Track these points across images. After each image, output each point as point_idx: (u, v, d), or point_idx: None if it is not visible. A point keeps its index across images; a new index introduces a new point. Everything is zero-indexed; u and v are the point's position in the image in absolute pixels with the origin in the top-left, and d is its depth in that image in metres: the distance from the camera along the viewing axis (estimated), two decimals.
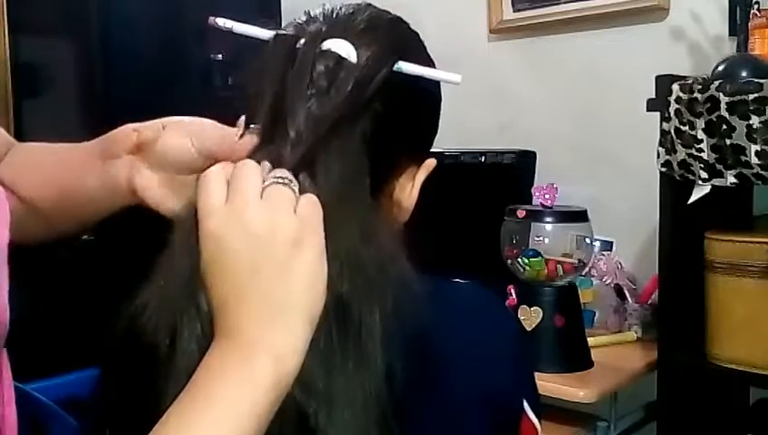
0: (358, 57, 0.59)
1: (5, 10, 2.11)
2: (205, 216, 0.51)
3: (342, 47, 0.59)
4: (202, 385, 0.48)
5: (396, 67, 0.60)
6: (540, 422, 0.71)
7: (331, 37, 0.60)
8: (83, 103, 2.29)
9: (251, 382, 0.48)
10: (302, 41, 0.59)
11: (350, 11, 0.64)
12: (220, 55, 2.24)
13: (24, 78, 2.20)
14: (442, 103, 0.70)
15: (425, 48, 0.68)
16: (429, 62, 0.67)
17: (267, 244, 0.50)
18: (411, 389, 0.55)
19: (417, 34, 0.68)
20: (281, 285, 0.50)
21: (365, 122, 0.59)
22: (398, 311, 0.54)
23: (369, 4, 0.66)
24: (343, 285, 0.53)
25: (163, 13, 2.33)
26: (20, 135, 2.28)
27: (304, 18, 0.64)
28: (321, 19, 0.63)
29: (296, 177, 0.54)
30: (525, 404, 0.70)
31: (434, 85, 0.67)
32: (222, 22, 0.62)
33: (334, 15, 0.64)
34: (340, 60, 0.59)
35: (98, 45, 2.26)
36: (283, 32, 0.61)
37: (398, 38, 0.65)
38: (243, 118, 0.64)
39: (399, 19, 0.68)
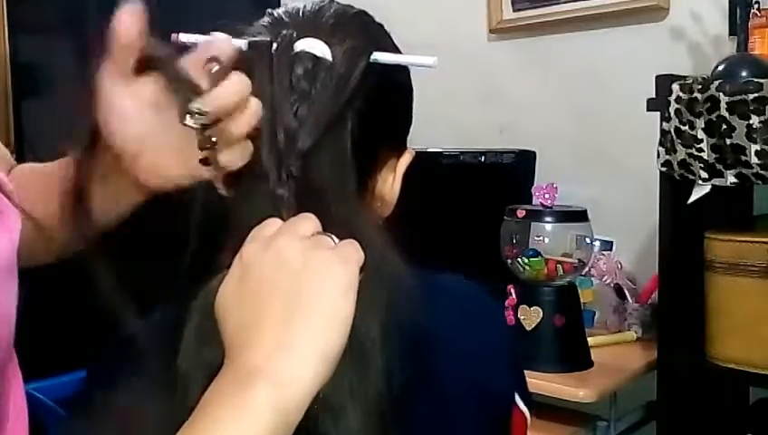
0: (333, 55, 0.59)
1: (5, 10, 2.11)
2: (247, 241, 0.52)
3: (316, 46, 0.59)
4: (203, 409, 0.48)
5: (372, 58, 0.60)
6: (530, 411, 0.71)
7: (302, 37, 0.59)
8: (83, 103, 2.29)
9: (249, 409, 0.46)
10: (275, 45, 0.58)
11: (315, 8, 0.64)
12: None
13: (24, 78, 2.20)
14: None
15: (391, 38, 0.68)
16: (398, 52, 0.67)
17: (295, 273, 0.49)
18: (407, 385, 0.55)
19: (382, 26, 0.68)
20: (299, 318, 0.48)
21: (349, 120, 0.59)
22: (393, 308, 0.54)
23: (333, 0, 0.66)
24: None
25: (163, 12, 2.33)
26: (20, 135, 2.28)
27: (268, 19, 0.64)
28: (288, 19, 0.63)
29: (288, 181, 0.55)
30: (516, 396, 0.70)
31: (405, 74, 0.68)
32: (185, 38, 0.60)
33: (300, 14, 0.63)
34: (316, 60, 0.58)
35: (97, 45, 2.26)
36: (256, 39, 0.60)
37: (368, 30, 0.65)
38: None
39: (364, 12, 0.68)
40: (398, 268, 0.56)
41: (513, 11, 2.13)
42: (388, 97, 0.65)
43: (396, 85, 0.67)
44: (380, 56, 0.61)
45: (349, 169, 0.58)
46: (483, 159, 2.02)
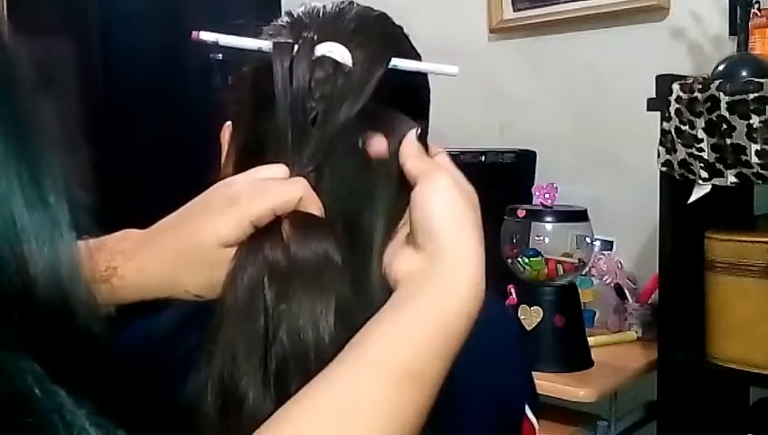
0: (353, 60, 0.58)
1: (5, 10, 2.11)
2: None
3: (336, 51, 0.58)
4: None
5: (391, 64, 0.59)
6: (537, 420, 0.72)
7: (323, 41, 0.58)
8: (83, 103, 2.29)
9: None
10: (296, 48, 0.58)
11: (336, 10, 0.63)
12: (220, 55, 2.24)
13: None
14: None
15: (410, 42, 0.68)
16: (417, 57, 0.67)
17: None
18: None
19: (402, 29, 0.68)
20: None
21: (367, 124, 0.58)
22: None
23: (352, 2, 0.65)
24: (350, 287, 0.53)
25: (163, 12, 2.33)
26: None
27: (287, 19, 0.63)
28: (308, 21, 0.62)
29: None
30: (526, 406, 0.70)
31: (424, 80, 0.67)
32: (206, 36, 0.59)
33: (320, 16, 0.63)
34: (336, 65, 0.57)
35: (98, 45, 2.26)
36: (280, 41, 0.59)
37: (388, 35, 0.65)
38: (229, 123, 0.64)
39: (385, 15, 0.67)
40: None
41: (513, 11, 2.12)
42: (405, 103, 0.64)
43: (414, 91, 0.66)
44: (400, 62, 0.60)
45: (363, 175, 0.58)
46: (483, 159, 2.02)
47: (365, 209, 0.57)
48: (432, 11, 2.20)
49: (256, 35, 0.61)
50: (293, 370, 0.50)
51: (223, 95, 0.65)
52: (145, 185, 2.17)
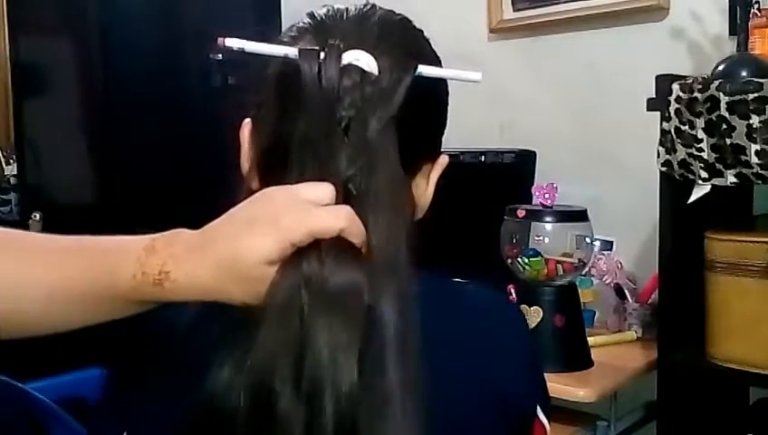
0: (379, 68, 0.58)
1: (5, 10, 2.11)
2: None
3: (362, 59, 0.58)
4: None
5: (417, 72, 0.59)
6: (549, 422, 0.72)
7: (349, 47, 0.58)
8: (83, 103, 2.29)
9: None
10: (323, 56, 0.57)
11: (359, 14, 0.63)
12: (220, 55, 2.25)
13: (24, 78, 2.20)
14: None
15: (430, 45, 0.68)
16: (437, 59, 0.67)
17: None
18: (428, 391, 0.55)
19: (422, 32, 0.68)
20: None
21: (395, 131, 0.58)
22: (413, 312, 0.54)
23: (374, 5, 0.66)
24: (380, 293, 0.53)
25: (163, 13, 2.33)
26: (20, 135, 2.28)
27: (310, 21, 0.63)
28: (331, 23, 0.62)
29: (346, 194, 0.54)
30: (537, 407, 0.71)
31: (445, 84, 0.68)
32: (231, 42, 0.58)
33: (344, 19, 0.63)
34: (363, 73, 0.57)
35: (98, 45, 2.26)
36: (306, 48, 0.59)
37: (411, 40, 0.65)
38: (248, 120, 0.64)
39: (406, 19, 0.67)
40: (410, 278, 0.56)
41: (513, 11, 2.13)
42: (429, 107, 0.65)
43: (437, 96, 0.67)
44: (425, 70, 0.60)
45: (398, 182, 0.58)
46: (483, 159, 2.02)
47: (386, 209, 0.56)
48: (432, 11, 2.20)
49: (278, 40, 0.61)
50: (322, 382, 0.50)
51: (242, 96, 0.65)
52: (145, 184, 2.17)
